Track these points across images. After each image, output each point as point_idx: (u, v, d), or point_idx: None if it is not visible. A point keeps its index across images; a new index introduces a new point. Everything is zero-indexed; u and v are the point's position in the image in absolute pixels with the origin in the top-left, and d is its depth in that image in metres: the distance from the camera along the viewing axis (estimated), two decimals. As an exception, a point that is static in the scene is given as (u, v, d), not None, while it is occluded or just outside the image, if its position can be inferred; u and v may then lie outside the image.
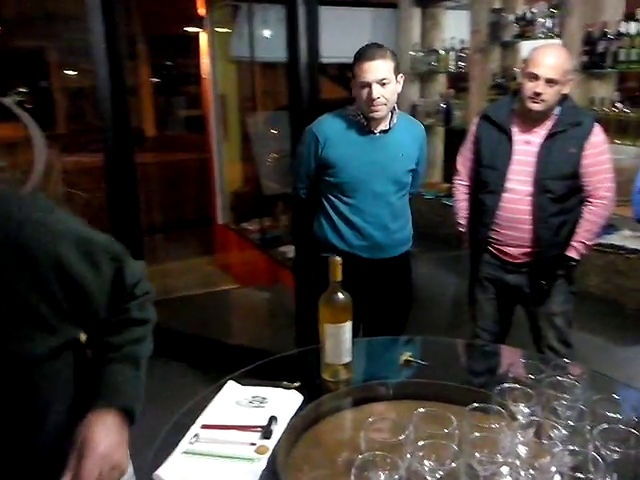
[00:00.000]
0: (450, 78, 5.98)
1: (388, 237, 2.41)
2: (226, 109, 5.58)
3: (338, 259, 1.53)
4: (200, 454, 1.27)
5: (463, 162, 2.63)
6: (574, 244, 2.41)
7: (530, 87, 2.28)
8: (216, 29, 5.58)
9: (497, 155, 2.44)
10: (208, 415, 1.41)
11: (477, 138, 2.53)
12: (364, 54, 2.21)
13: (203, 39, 5.58)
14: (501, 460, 1.05)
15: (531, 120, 2.39)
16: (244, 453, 1.27)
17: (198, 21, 5.62)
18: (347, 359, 1.57)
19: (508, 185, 2.42)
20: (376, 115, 2.26)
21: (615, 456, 1.09)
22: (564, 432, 1.11)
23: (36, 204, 1.00)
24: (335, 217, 2.40)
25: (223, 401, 1.47)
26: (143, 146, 8.18)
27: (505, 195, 2.42)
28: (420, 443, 1.03)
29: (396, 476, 1.01)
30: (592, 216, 2.40)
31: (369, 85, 2.20)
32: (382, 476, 1.02)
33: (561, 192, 2.36)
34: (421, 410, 1.11)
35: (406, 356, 1.68)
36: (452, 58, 5.53)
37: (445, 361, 1.83)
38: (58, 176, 3.74)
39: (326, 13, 6.02)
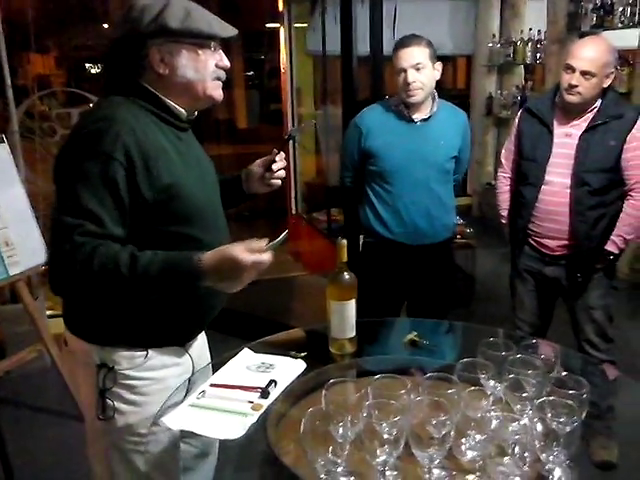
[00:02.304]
0: (528, 70, 5.88)
1: (430, 223, 2.49)
2: (301, 102, 5.77)
3: (344, 242, 1.66)
4: (203, 407, 1.44)
5: (507, 155, 2.66)
6: (613, 238, 2.40)
7: (566, 79, 2.30)
8: (294, 24, 5.78)
9: (537, 148, 2.46)
10: (219, 376, 1.58)
11: (519, 131, 2.56)
12: (399, 43, 2.35)
13: (282, 34, 5.80)
14: (452, 424, 1.14)
15: (571, 113, 2.39)
16: (240, 409, 1.43)
17: (278, 17, 5.85)
18: (352, 334, 1.69)
19: (547, 178, 2.44)
20: (413, 100, 2.36)
21: (567, 429, 1.16)
22: (519, 405, 1.19)
23: None
24: (378, 205, 2.50)
25: (235, 365, 1.64)
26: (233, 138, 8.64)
27: (544, 187, 2.44)
28: (368, 402, 1.15)
29: (350, 430, 1.13)
30: (633, 210, 2.38)
31: (405, 70, 2.31)
32: (340, 430, 1.15)
33: (600, 185, 2.36)
34: (377, 377, 1.23)
35: (412, 336, 1.77)
36: (530, 50, 5.43)
37: (459, 344, 1.91)
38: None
39: (403, 6, 6.10)
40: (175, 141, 1.46)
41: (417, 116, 2.42)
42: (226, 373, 1.60)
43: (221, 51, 1.48)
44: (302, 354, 1.68)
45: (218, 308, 1.62)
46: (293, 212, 5.88)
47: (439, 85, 2.45)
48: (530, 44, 5.44)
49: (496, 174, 2.81)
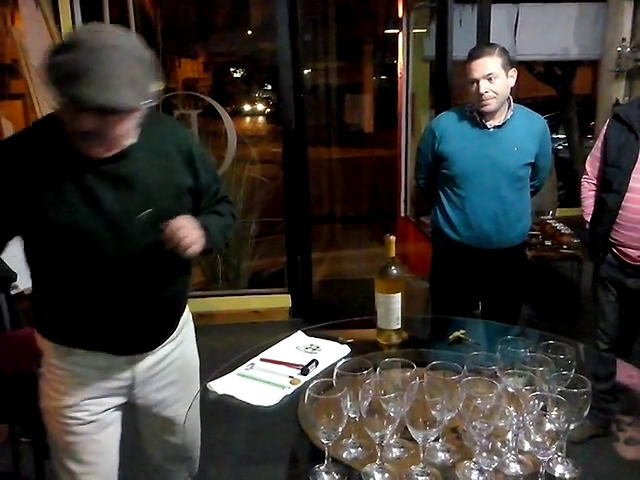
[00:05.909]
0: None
1: (497, 230, 2.51)
2: (415, 106, 5.84)
3: (392, 238, 1.76)
4: (248, 377, 1.63)
5: (592, 162, 2.61)
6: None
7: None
8: (413, 30, 5.87)
9: (623, 154, 2.40)
10: (270, 352, 1.76)
11: (606, 138, 2.50)
12: (471, 53, 2.38)
13: (401, 40, 5.91)
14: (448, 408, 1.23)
15: (661, 120, 2.31)
16: (280, 382, 1.59)
17: (397, 23, 5.97)
18: (397, 326, 1.79)
19: (632, 185, 2.37)
20: (486, 109, 2.40)
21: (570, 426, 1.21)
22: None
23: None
24: (448, 207, 2.56)
25: (286, 345, 1.81)
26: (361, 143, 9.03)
27: (628, 195, 2.38)
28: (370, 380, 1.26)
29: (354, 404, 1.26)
30: None
31: (477, 81, 2.35)
32: (348, 402, 1.27)
33: (688, 195, 2.26)
34: (387, 360, 1.34)
35: (458, 333, 1.84)
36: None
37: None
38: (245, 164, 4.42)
39: (527, 10, 5.99)
40: (75, 172, 1.40)
41: (490, 123, 2.45)
42: (277, 350, 1.78)
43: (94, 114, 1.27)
44: (349, 340, 1.81)
45: (139, 331, 1.59)
46: (402, 215, 5.96)
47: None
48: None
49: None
